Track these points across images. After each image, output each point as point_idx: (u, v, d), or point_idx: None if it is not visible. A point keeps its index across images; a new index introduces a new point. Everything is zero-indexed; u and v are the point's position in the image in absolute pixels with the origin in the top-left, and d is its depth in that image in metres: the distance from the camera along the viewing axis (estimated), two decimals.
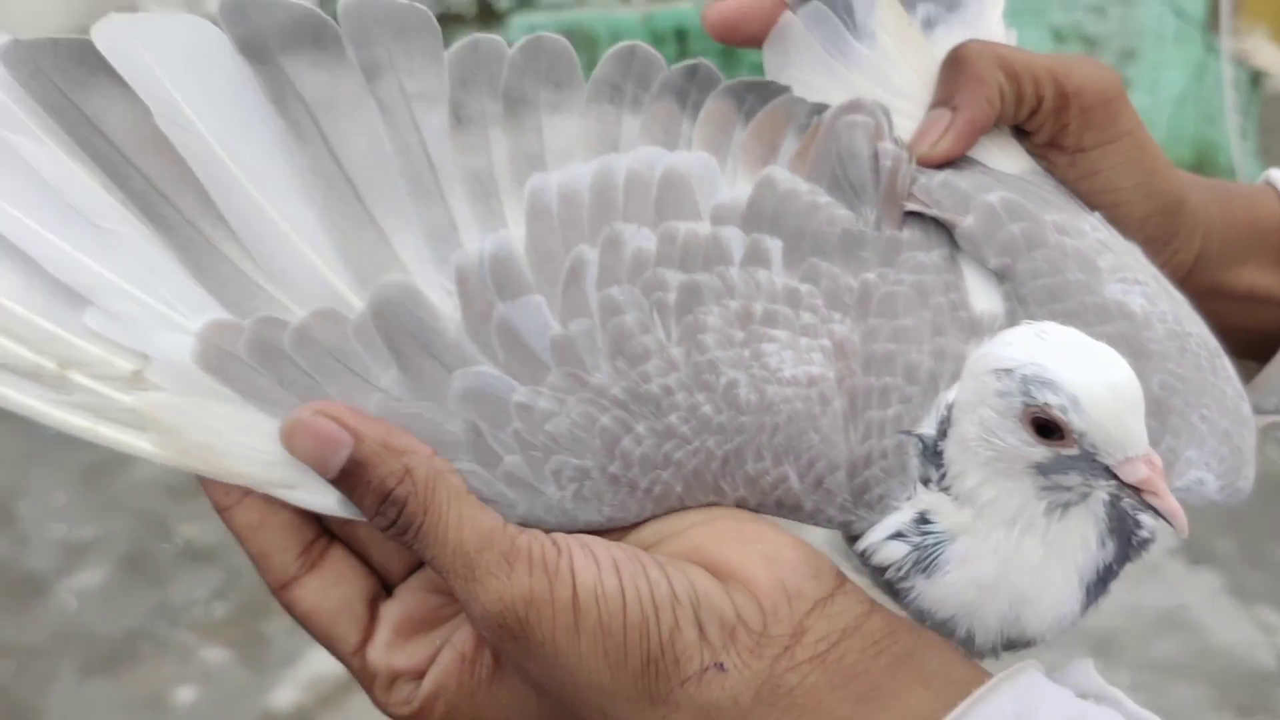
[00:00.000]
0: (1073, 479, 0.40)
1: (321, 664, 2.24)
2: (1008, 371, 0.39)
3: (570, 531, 0.41)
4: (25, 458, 3.32)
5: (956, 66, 0.48)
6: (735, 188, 0.45)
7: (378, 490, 0.40)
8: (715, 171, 0.45)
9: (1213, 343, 0.47)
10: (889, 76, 0.49)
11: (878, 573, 0.43)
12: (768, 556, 0.41)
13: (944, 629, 0.43)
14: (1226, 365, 0.47)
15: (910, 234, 0.46)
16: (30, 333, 0.40)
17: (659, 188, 0.44)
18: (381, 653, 0.42)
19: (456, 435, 0.41)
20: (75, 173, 0.41)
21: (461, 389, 0.41)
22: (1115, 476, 0.39)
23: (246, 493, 0.42)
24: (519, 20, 3.04)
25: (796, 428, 0.42)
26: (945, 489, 0.42)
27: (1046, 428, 0.39)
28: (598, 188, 0.43)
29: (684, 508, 0.42)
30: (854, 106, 0.47)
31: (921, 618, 0.43)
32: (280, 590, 0.42)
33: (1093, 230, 0.47)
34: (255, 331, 0.41)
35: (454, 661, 0.42)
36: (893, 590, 0.43)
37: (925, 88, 0.49)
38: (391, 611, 0.43)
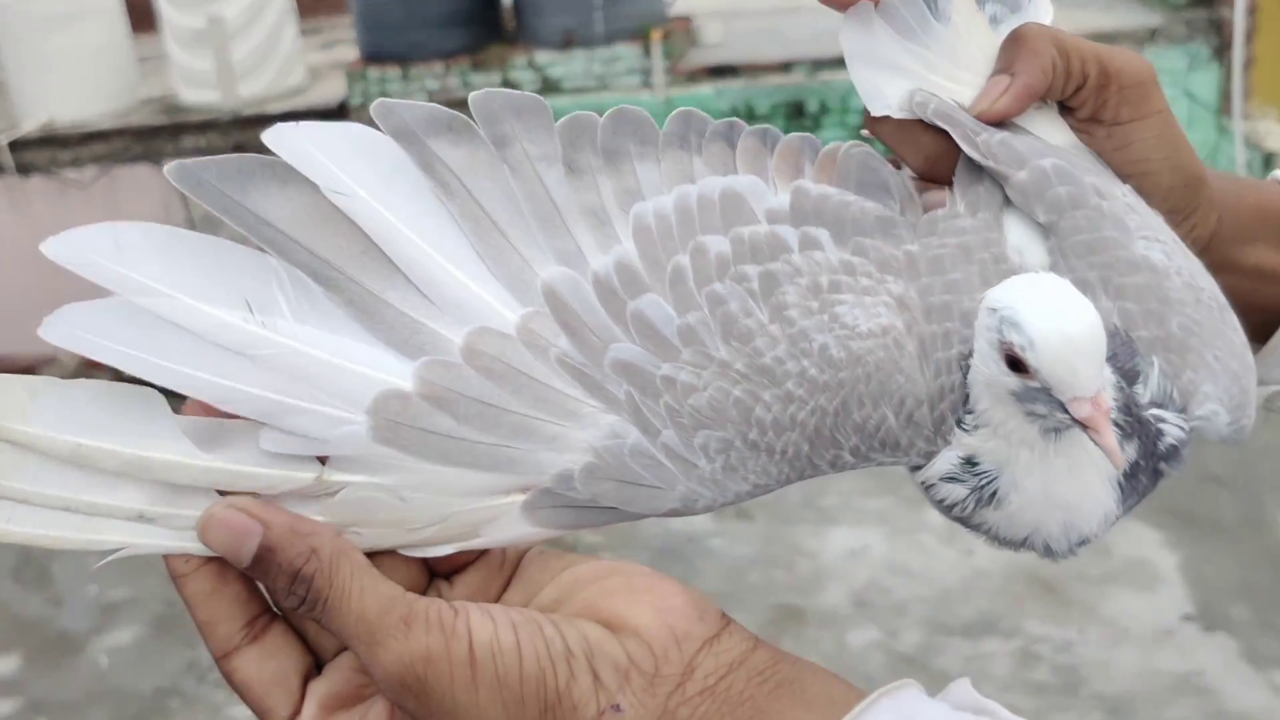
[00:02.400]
0: (1041, 408, 0.46)
1: None
2: (993, 310, 0.46)
3: (723, 504, 0.47)
4: None
5: (1017, 42, 0.56)
6: (779, 197, 0.53)
7: (288, 570, 0.43)
8: (762, 186, 0.53)
9: (1222, 298, 0.52)
10: (958, 53, 0.57)
11: (944, 508, 0.49)
12: (656, 605, 0.45)
13: (1024, 547, 0.49)
14: (1233, 318, 0.52)
15: (949, 208, 0.53)
16: (216, 477, 0.45)
17: (721, 202, 0.52)
18: None
19: (618, 398, 0.47)
20: (246, 261, 0.47)
21: (614, 360, 0.48)
22: (1069, 411, 0.45)
23: (204, 562, 0.45)
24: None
25: (884, 373, 0.48)
26: (969, 412, 0.48)
27: (1015, 362, 0.45)
28: (679, 209, 0.52)
29: (814, 470, 0.48)
30: (855, 145, 0.55)
31: (1000, 542, 0.49)
32: (221, 659, 0.46)
33: (1123, 195, 0.54)
34: (420, 379, 0.46)
35: None
36: (964, 523, 0.49)
37: (987, 64, 0.58)
38: (319, 688, 0.46)
